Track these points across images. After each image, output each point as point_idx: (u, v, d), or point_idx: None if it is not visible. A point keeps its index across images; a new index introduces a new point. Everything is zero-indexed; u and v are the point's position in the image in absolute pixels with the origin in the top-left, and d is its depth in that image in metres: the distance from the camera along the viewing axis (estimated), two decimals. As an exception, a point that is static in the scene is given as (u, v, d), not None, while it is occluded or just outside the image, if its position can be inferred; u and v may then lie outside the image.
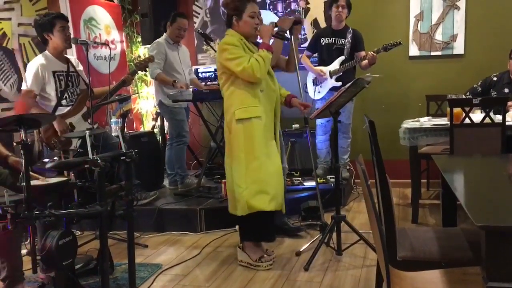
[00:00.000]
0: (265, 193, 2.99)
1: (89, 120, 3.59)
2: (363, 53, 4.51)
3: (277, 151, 3.13)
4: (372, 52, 4.26)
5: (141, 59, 4.32)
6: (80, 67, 3.77)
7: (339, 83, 4.38)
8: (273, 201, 3.02)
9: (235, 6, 3.01)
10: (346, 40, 4.48)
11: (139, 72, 4.22)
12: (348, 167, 4.84)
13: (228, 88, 3.05)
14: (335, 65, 4.47)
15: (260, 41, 3.11)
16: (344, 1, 4.41)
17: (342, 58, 4.47)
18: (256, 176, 2.98)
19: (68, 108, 3.51)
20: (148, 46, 4.65)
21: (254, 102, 2.99)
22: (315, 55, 4.70)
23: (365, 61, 4.35)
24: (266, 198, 2.99)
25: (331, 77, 4.48)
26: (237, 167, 3.03)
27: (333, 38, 4.51)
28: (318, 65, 4.61)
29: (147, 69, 4.14)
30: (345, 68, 4.42)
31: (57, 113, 3.43)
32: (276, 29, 3.16)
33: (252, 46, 3.11)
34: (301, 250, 3.34)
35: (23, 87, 3.44)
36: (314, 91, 4.58)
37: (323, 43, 4.54)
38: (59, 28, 3.43)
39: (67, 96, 3.52)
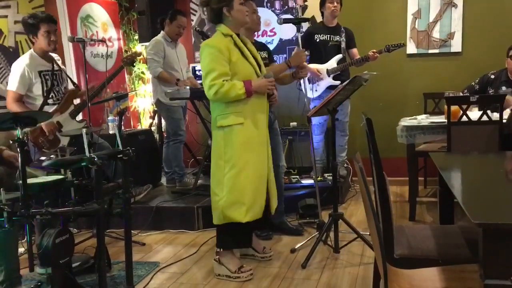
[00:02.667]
0: (241, 204, 2.85)
1: (77, 118, 3.58)
2: (355, 50, 4.55)
3: (264, 158, 2.96)
4: (373, 52, 4.27)
5: (127, 54, 4.30)
6: (63, 66, 3.77)
7: (338, 82, 4.37)
8: (250, 212, 2.87)
9: None
10: (341, 38, 4.49)
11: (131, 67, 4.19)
12: (345, 165, 4.84)
13: None
14: (333, 63, 4.46)
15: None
16: None
17: (339, 56, 4.46)
18: (233, 185, 2.85)
19: (55, 106, 3.50)
20: (146, 43, 4.63)
21: (237, 108, 2.83)
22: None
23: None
24: (242, 209, 2.85)
25: (328, 76, 4.47)
26: (215, 174, 2.92)
27: (328, 35, 4.50)
28: (310, 63, 4.56)
29: (134, 64, 4.10)
30: (344, 68, 4.42)
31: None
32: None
33: (244, 40, 2.95)
34: (296, 247, 3.35)
35: (9, 88, 3.42)
36: (312, 90, 4.56)
37: (317, 40, 4.51)
38: (43, 33, 3.40)
39: (53, 95, 3.51)
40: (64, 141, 3.44)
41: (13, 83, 3.39)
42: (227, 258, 2.98)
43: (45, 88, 3.46)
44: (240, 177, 2.85)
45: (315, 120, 4.55)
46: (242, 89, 2.77)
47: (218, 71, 2.75)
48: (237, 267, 2.94)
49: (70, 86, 3.74)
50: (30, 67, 3.41)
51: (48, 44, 3.43)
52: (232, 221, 2.88)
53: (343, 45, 4.49)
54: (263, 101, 2.97)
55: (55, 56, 3.66)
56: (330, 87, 4.41)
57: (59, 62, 3.67)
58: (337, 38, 4.49)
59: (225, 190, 2.87)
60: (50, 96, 3.49)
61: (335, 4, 4.42)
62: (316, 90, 4.51)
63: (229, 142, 2.85)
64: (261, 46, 3.59)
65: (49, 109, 3.47)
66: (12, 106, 3.39)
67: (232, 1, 2.81)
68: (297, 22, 3.60)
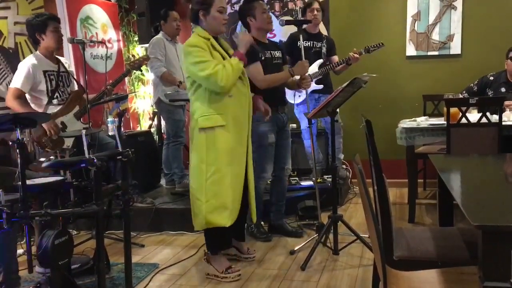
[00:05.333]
0: (224, 208, 2.84)
1: (81, 119, 3.59)
2: (336, 58, 4.54)
3: (243, 159, 2.95)
4: (354, 54, 4.23)
5: (135, 59, 4.31)
6: (71, 68, 3.78)
7: (321, 86, 4.38)
8: (232, 215, 2.88)
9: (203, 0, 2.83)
10: (323, 45, 4.49)
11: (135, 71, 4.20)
12: (345, 167, 4.84)
13: (194, 92, 2.87)
14: (314, 68, 4.44)
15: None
16: (317, 4, 4.41)
17: (320, 61, 4.43)
18: (216, 189, 2.82)
19: (59, 107, 3.50)
20: (145, 45, 4.62)
21: (220, 109, 2.80)
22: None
23: (341, 66, 4.36)
24: (225, 214, 2.84)
25: (311, 80, 4.46)
26: (197, 178, 2.86)
27: (311, 42, 4.49)
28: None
29: (141, 68, 4.12)
30: (326, 71, 4.40)
31: (48, 112, 3.42)
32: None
33: (223, 44, 2.98)
34: (295, 249, 3.35)
35: (12, 85, 3.43)
36: (294, 95, 4.50)
37: (300, 47, 4.47)
38: (52, 29, 3.44)
39: (58, 95, 3.52)
40: (69, 142, 3.44)
41: (17, 81, 3.40)
42: (215, 258, 2.99)
43: (49, 88, 3.48)
44: (224, 180, 2.84)
45: (305, 124, 4.53)
46: (235, 59, 2.79)
47: (209, 60, 2.74)
48: (224, 267, 2.95)
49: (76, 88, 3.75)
50: (35, 67, 3.42)
51: (57, 41, 3.48)
52: (216, 225, 2.87)
53: (324, 50, 4.49)
54: (245, 101, 2.94)
55: (63, 59, 3.68)
56: (314, 91, 4.41)
57: (66, 65, 3.68)
58: (319, 44, 4.49)
59: (208, 195, 2.83)
60: (55, 96, 3.50)
61: (315, 12, 4.40)
62: (299, 96, 4.49)
63: (211, 145, 2.82)
64: (275, 46, 3.60)
65: (54, 109, 3.48)
66: (12, 103, 3.38)
67: (210, 7, 2.82)
68: (299, 23, 3.59)
